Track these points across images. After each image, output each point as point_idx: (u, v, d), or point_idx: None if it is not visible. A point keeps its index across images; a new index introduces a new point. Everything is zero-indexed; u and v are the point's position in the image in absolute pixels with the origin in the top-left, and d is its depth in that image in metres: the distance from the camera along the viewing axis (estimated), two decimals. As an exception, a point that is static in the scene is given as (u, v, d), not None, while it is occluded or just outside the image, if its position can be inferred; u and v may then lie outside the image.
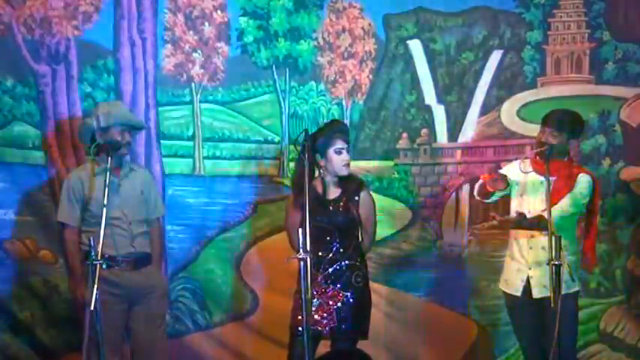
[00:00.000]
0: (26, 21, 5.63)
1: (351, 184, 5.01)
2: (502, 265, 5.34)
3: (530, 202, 5.05)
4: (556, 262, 4.76)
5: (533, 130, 5.95)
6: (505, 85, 6.03)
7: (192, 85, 5.83)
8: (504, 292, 5.21)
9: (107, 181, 4.62)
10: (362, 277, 4.97)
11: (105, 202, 4.57)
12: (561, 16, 6.04)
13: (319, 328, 4.86)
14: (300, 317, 4.70)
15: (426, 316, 5.97)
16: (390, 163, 5.98)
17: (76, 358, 5.68)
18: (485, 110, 6.03)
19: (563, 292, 4.75)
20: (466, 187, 5.97)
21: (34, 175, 5.69)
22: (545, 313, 5.01)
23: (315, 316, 4.85)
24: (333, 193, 4.98)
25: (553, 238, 4.50)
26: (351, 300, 4.91)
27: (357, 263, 4.97)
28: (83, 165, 5.25)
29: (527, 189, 5.08)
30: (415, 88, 5.99)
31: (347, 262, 4.91)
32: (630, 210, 6.03)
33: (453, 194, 6.04)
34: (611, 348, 6.09)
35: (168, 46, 5.80)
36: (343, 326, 4.90)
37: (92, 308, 4.35)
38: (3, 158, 5.67)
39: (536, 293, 5.05)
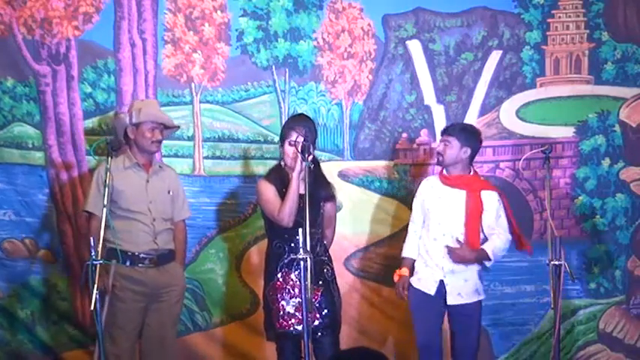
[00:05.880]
0: (27, 21, 5.64)
1: (321, 180, 5.08)
2: (501, 265, 5.35)
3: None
4: (556, 263, 4.77)
5: (532, 130, 6.00)
6: (504, 86, 6.03)
7: (192, 85, 5.83)
8: (414, 288, 5.26)
9: (107, 181, 4.65)
10: (331, 271, 5.08)
11: (105, 202, 4.60)
12: (560, 17, 6.04)
13: (298, 327, 4.88)
14: (283, 320, 4.90)
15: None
16: (390, 163, 5.98)
17: (75, 355, 5.72)
18: (484, 110, 6.02)
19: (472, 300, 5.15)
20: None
21: (34, 175, 5.70)
22: (456, 320, 5.21)
23: (297, 314, 4.86)
24: (302, 187, 4.95)
25: (553, 239, 4.51)
26: (326, 294, 4.99)
27: (325, 258, 5.07)
28: (115, 158, 5.11)
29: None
30: (415, 89, 5.99)
31: (317, 257, 4.92)
32: (630, 210, 6.04)
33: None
34: (610, 348, 6.09)
35: (169, 46, 5.80)
36: (326, 321, 4.96)
37: (92, 308, 4.38)
38: (3, 158, 5.68)
39: (451, 300, 5.18)
